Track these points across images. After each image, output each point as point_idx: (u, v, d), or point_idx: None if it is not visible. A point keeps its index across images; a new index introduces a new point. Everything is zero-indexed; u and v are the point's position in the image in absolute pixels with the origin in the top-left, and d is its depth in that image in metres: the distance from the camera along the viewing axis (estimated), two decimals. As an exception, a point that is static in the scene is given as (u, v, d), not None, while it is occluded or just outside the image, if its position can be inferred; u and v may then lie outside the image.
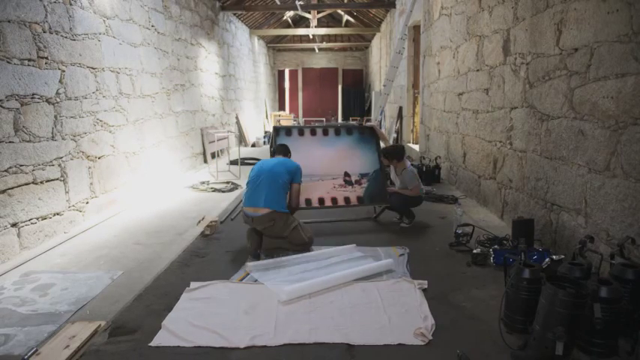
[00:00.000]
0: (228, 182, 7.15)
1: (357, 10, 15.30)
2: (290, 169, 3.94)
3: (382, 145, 5.11)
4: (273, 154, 4.40)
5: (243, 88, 13.68)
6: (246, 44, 14.58)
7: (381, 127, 11.01)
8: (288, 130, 4.98)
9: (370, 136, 5.05)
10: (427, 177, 6.68)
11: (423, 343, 2.44)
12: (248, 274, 3.42)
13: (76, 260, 3.81)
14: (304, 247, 3.89)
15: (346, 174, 4.78)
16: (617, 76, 2.83)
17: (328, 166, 4.77)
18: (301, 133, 4.94)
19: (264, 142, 13.39)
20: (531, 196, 4.06)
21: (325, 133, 4.96)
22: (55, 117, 4.44)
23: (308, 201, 4.61)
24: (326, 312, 2.80)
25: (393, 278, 3.27)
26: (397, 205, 4.72)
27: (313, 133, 4.96)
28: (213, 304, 2.91)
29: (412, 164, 7.22)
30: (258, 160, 9.62)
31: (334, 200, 4.67)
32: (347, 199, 4.70)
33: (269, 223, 3.77)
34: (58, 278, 3.41)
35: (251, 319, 2.71)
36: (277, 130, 5.00)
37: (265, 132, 13.92)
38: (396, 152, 4.80)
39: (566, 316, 2.01)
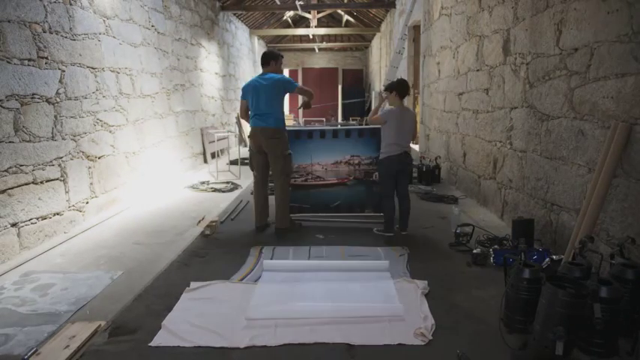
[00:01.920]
0: (228, 182, 7.15)
1: (357, 10, 15.30)
2: (284, 83, 4.30)
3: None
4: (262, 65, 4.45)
5: (243, 88, 13.67)
6: (246, 44, 14.58)
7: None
8: (296, 133, 4.84)
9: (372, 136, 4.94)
10: (427, 177, 6.69)
11: (423, 343, 2.44)
12: (248, 274, 3.42)
13: (76, 260, 3.81)
14: (288, 177, 4.37)
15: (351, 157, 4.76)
16: (617, 76, 2.83)
17: (334, 169, 4.77)
18: (310, 136, 4.84)
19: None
20: (531, 196, 4.06)
21: (335, 135, 4.83)
22: (55, 117, 4.44)
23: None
24: (326, 312, 2.79)
25: (393, 278, 3.27)
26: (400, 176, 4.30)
27: (322, 135, 4.84)
28: (213, 304, 2.91)
29: (412, 164, 7.23)
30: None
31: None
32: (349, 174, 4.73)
33: (275, 134, 4.21)
34: (58, 278, 3.41)
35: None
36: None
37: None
38: (402, 86, 4.30)
39: (566, 316, 2.01)
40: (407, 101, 10.22)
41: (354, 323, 2.65)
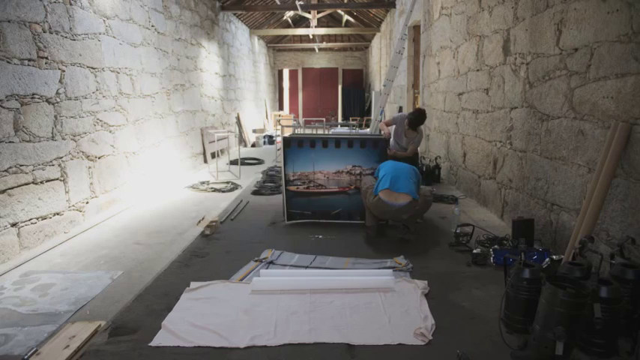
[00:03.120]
0: (228, 182, 7.15)
1: (357, 10, 15.30)
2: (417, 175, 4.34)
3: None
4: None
5: (243, 88, 13.69)
6: (246, 44, 14.58)
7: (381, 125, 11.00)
8: (299, 142, 4.78)
9: (376, 148, 4.82)
10: (427, 177, 6.69)
11: (423, 343, 2.44)
12: (248, 274, 3.42)
13: (76, 260, 3.81)
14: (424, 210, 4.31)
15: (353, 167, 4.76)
16: (617, 76, 2.83)
17: (335, 179, 4.77)
18: (312, 145, 4.77)
19: (264, 143, 13.38)
20: (531, 196, 4.06)
21: (337, 145, 4.76)
22: (55, 117, 4.44)
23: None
24: (326, 312, 2.80)
25: (392, 277, 3.27)
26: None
27: (325, 145, 4.77)
28: (213, 304, 2.91)
29: None
30: (258, 160, 9.67)
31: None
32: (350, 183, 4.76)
33: (409, 211, 4.01)
34: (58, 278, 3.41)
35: (251, 319, 2.71)
36: (288, 141, 4.80)
37: (264, 136, 13.84)
38: (423, 119, 4.86)
39: (566, 316, 2.01)
40: (407, 102, 10.21)
41: (353, 323, 2.66)
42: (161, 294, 3.09)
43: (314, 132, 12.20)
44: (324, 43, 19.54)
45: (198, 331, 2.56)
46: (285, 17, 16.49)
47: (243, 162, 8.91)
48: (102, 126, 5.32)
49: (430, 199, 4.31)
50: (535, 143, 3.97)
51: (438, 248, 3.98)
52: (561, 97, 3.50)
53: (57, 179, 4.45)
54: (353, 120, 15.84)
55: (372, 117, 13.20)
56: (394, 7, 11.60)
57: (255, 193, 6.33)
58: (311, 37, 18.07)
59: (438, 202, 5.68)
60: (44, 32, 4.31)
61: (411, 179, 4.15)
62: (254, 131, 13.93)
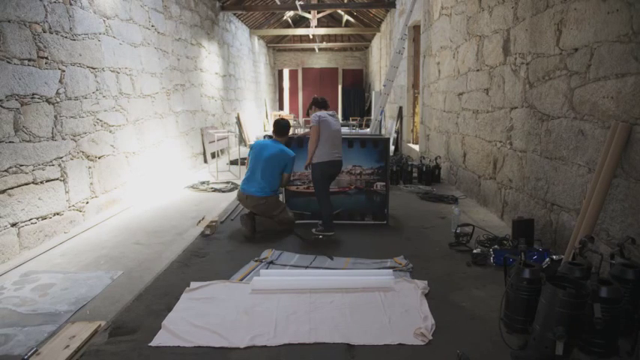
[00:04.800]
0: (228, 182, 7.15)
1: (357, 10, 15.30)
2: (285, 162, 4.48)
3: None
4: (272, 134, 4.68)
5: (243, 88, 13.69)
6: (246, 44, 14.58)
7: (381, 128, 11.01)
8: (299, 142, 4.79)
9: (379, 147, 4.79)
10: (427, 177, 6.69)
11: (423, 343, 2.44)
12: (248, 274, 3.42)
13: (76, 260, 3.81)
14: (290, 225, 4.53)
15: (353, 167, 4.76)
16: (617, 76, 2.83)
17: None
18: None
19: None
20: (531, 196, 4.06)
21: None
22: (55, 117, 4.44)
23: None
24: (326, 312, 2.80)
25: (392, 277, 3.27)
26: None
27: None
28: (213, 304, 2.91)
29: (412, 164, 7.23)
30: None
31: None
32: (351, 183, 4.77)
33: (261, 201, 4.41)
34: (58, 278, 3.41)
35: (251, 319, 2.71)
36: (288, 141, 4.78)
37: (264, 136, 13.87)
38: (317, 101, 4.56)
39: (566, 316, 2.01)
40: (407, 102, 10.22)
41: (353, 323, 2.66)
42: (161, 294, 3.09)
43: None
44: (324, 43, 19.54)
45: (198, 331, 2.56)
46: (285, 17, 16.49)
47: (244, 162, 8.90)
48: (102, 126, 5.32)
49: (284, 217, 4.48)
50: (535, 143, 3.97)
51: (438, 248, 3.98)
52: (561, 97, 3.50)
53: (57, 179, 4.44)
54: (353, 120, 15.84)
55: (372, 117, 13.18)
56: (394, 7, 11.60)
57: (255, 193, 6.32)
58: (311, 37, 18.07)
59: (438, 202, 5.68)
60: (44, 32, 4.30)
61: (265, 177, 4.39)
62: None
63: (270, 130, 6.38)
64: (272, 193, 4.44)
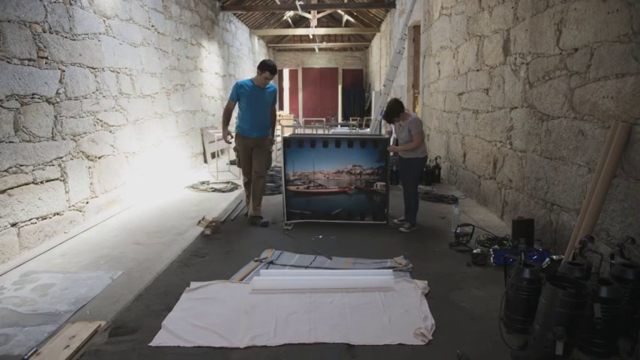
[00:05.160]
0: (228, 182, 7.15)
1: (357, 10, 15.30)
2: (274, 97, 4.89)
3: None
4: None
5: (243, 88, 13.66)
6: (247, 44, 14.58)
7: (381, 128, 11.00)
8: (299, 142, 4.80)
9: (377, 147, 4.77)
10: (427, 177, 6.69)
11: (423, 343, 2.44)
12: (248, 274, 3.42)
13: (76, 260, 3.81)
14: (266, 171, 5.00)
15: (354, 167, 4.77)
16: (617, 76, 2.83)
17: (336, 179, 4.78)
18: (313, 145, 4.77)
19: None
20: (531, 196, 4.06)
21: (337, 145, 4.76)
22: (55, 117, 4.44)
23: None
24: (326, 312, 2.80)
25: (392, 277, 3.27)
26: (402, 174, 4.68)
27: (325, 145, 4.76)
28: (213, 304, 2.91)
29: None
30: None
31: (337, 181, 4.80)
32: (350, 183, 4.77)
33: (262, 141, 4.84)
34: (58, 278, 3.41)
35: (251, 319, 2.71)
36: (288, 141, 4.83)
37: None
38: (394, 108, 4.44)
39: (566, 316, 2.01)
40: (407, 102, 10.22)
41: (353, 323, 2.66)
42: (161, 294, 3.09)
43: (314, 132, 12.20)
44: (324, 43, 19.54)
45: (198, 331, 2.56)
46: (285, 17, 16.49)
47: (243, 162, 8.89)
48: (102, 126, 5.32)
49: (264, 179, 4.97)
50: (535, 143, 3.97)
51: (438, 248, 3.98)
52: (561, 97, 3.50)
53: (57, 179, 4.44)
54: (353, 120, 15.83)
55: (372, 117, 13.18)
56: (394, 7, 11.60)
57: (255, 193, 6.32)
58: (311, 37, 18.07)
59: (438, 202, 5.68)
60: (44, 32, 4.30)
61: (265, 118, 4.84)
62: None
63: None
64: (268, 130, 4.90)
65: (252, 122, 4.76)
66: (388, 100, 4.95)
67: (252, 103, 4.72)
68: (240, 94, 4.72)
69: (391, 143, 4.91)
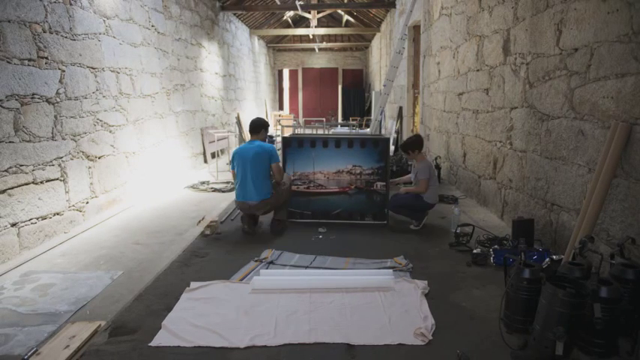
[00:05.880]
0: (228, 182, 7.15)
1: (357, 10, 15.30)
2: (269, 155, 4.41)
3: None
4: (251, 131, 4.64)
5: (243, 88, 13.69)
6: (246, 44, 14.58)
7: (381, 128, 11.00)
8: (299, 142, 4.81)
9: (379, 147, 4.80)
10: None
11: (423, 343, 2.44)
12: (248, 274, 3.42)
13: (76, 260, 3.81)
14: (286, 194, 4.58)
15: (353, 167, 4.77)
16: (617, 76, 2.83)
17: (335, 179, 4.79)
18: (313, 145, 4.79)
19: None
20: (531, 196, 4.06)
21: (337, 145, 4.77)
22: (55, 117, 4.44)
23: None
24: (326, 312, 2.80)
25: (392, 277, 3.27)
26: (393, 208, 4.66)
27: (325, 145, 4.78)
28: (213, 304, 2.91)
29: (412, 164, 7.22)
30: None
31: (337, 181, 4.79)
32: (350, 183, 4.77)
33: (265, 207, 4.43)
34: (58, 278, 3.41)
35: (251, 319, 2.71)
36: (288, 141, 4.84)
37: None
38: (411, 142, 4.58)
39: (566, 316, 2.01)
40: (407, 102, 10.22)
41: (353, 323, 2.66)
42: (161, 294, 3.09)
43: (314, 132, 12.20)
44: (324, 43, 19.54)
45: (198, 331, 2.56)
46: (285, 17, 16.49)
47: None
48: (102, 126, 5.32)
49: (286, 187, 4.57)
50: (535, 143, 3.97)
51: (438, 248, 3.98)
52: (561, 97, 3.50)
53: (57, 179, 4.44)
54: (353, 120, 15.84)
55: (372, 117, 13.19)
56: (394, 7, 11.60)
57: (255, 193, 6.32)
58: (311, 37, 18.07)
59: (438, 202, 5.67)
60: (44, 32, 4.30)
61: (257, 179, 4.32)
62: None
63: (269, 131, 6.41)
64: (270, 193, 4.38)
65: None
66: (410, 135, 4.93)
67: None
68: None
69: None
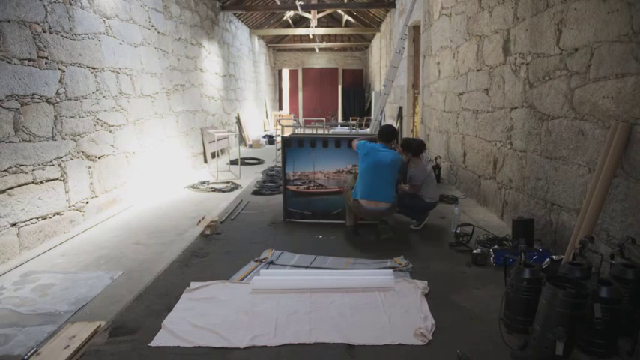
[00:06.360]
0: (228, 182, 7.15)
1: (357, 10, 15.30)
2: (400, 165, 4.27)
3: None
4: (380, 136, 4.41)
5: (243, 88, 13.69)
6: (247, 44, 14.58)
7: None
8: (299, 142, 4.80)
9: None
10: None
11: (423, 343, 2.44)
12: (248, 274, 3.42)
13: (76, 260, 3.81)
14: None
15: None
16: (617, 76, 2.83)
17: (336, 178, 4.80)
18: (313, 145, 4.77)
19: (265, 143, 13.35)
20: (531, 196, 4.06)
21: (337, 145, 4.77)
22: (55, 117, 4.44)
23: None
24: (326, 312, 2.80)
25: (392, 277, 3.27)
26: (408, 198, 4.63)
27: (325, 145, 4.77)
28: (213, 304, 2.91)
29: None
30: (258, 160, 9.67)
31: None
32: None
33: (389, 213, 4.24)
34: (58, 278, 3.41)
35: (251, 319, 2.71)
36: (288, 141, 4.81)
37: (265, 135, 13.93)
38: (412, 145, 4.58)
39: (566, 316, 2.02)
40: (407, 102, 10.22)
41: (354, 323, 2.66)
42: (161, 294, 3.09)
43: (314, 132, 12.20)
44: (324, 43, 19.54)
45: (198, 331, 2.56)
46: (285, 17, 16.49)
47: (243, 162, 8.91)
48: (102, 126, 5.32)
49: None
50: (535, 143, 3.97)
51: (438, 248, 3.98)
52: (561, 97, 3.50)
53: (57, 179, 4.45)
54: (353, 120, 15.84)
55: (372, 117, 13.19)
56: (394, 7, 11.60)
57: (255, 193, 6.33)
58: (311, 37, 18.07)
59: (439, 201, 5.67)
60: (44, 32, 4.30)
61: (390, 184, 4.16)
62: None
63: (270, 131, 6.41)
64: (394, 198, 4.22)
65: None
66: (415, 137, 4.93)
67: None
68: None
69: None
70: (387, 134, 4.39)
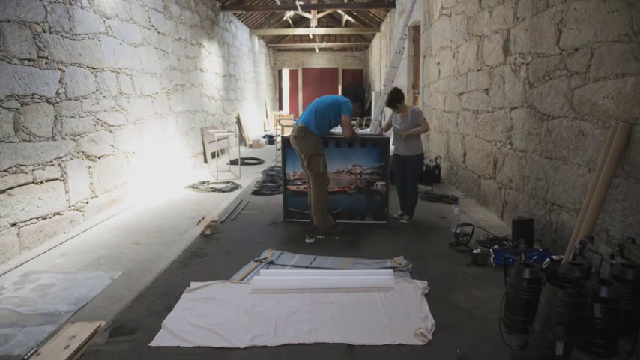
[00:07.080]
0: (228, 182, 7.15)
1: (357, 10, 15.29)
2: (340, 105, 4.42)
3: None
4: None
5: (243, 88, 13.68)
6: (247, 44, 14.58)
7: (380, 127, 10.99)
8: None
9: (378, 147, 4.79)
10: (427, 177, 6.68)
11: (423, 343, 2.44)
12: (248, 274, 3.42)
13: (76, 260, 3.81)
14: (316, 177, 4.37)
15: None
16: (617, 76, 2.83)
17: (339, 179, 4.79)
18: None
19: (265, 143, 13.34)
20: (531, 196, 4.06)
21: (337, 145, 4.74)
22: (55, 117, 4.44)
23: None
24: (326, 312, 2.80)
25: (392, 277, 3.27)
26: (399, 172, 4.81)
27: (325, 144, 4.66)
28: (213, 304, 2.91)
29: None
30: (258, 160, 9.67)
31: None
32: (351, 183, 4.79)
33: (301, 133, 4.35)
34: (58, 278, 3.41)
35: (251, 319, 2.71)
36: (288, 141, 4.73)
37: (265, 135, 13.93)
38: (396, 95, 4.68)
39: (566, 316, 2.01)
40: (407, 102, 10.22)
41: (354, 323, 2.66)
42: (161, 294, 3.09)
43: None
44: (324, 43, 19.54)
45: (198, 331, 2.56)
46: (285, 17, 16.49)
47: (244, 162, 8.90)
48: (102, 126, 5.32)
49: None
50: (535, 143, 3.97)
51: (438, 248, 3.98)
52: (561, 97, 3.50)
53: (57, 179, 4.44)
54: (353, 120, 15.82)
55: (372, 117, 13.17)
56: (394, 7, 11.60)
57: (255, 193, 6.33)
58: (311, 37, 18.07)
59: (438, 202, 5.68)
60: (44, 32, 4.30)
61: (321, 118, 4.38)
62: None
63: (270, 131, 6.39)
64: (315, 130, 4.34)
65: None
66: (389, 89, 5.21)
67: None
68: None
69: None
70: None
